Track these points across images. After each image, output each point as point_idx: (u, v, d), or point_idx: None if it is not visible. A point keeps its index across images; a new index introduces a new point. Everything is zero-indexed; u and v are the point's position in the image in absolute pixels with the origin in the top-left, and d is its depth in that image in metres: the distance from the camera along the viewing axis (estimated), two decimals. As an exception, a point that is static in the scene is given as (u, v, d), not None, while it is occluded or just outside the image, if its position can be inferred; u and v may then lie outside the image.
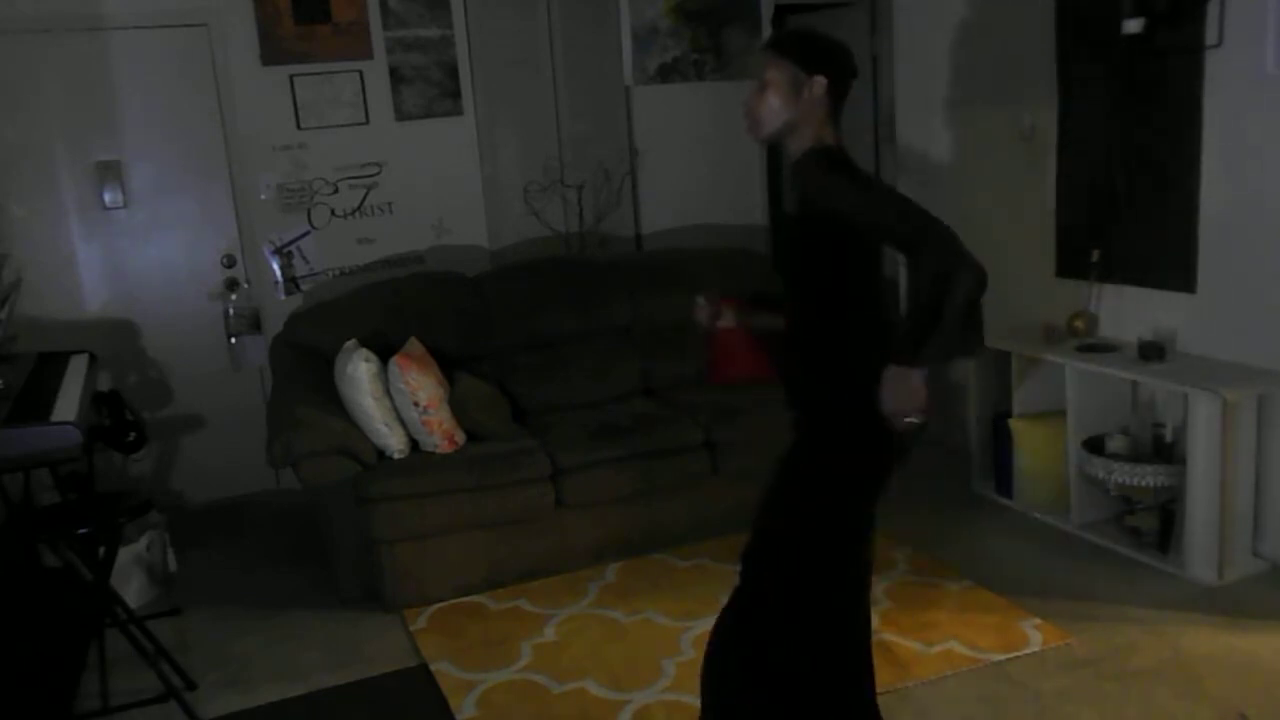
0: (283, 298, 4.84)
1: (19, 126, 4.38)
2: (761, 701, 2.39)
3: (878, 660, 2.58)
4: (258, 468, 4.37)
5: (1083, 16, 4.04)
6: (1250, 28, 3.43)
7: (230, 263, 4.77)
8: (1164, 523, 3.75)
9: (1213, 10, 3.53)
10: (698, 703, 3.02)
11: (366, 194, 4.91)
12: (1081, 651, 3.18)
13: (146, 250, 4.64)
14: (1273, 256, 3.50)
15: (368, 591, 3.77)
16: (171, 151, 4.62)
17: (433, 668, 3.32)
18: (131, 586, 3.83)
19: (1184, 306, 3.83)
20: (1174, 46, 3.67)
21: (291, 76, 4.69)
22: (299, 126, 4.74)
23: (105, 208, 4.55)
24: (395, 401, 3.83)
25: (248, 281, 4.79)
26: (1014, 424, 4.21)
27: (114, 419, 3.91)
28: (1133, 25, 3.71)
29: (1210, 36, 3.55)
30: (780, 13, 5.49)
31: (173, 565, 4.14)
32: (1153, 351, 3.72)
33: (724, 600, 3.64)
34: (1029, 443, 4.18)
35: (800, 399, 2.39)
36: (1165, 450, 3.79)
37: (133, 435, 3.92)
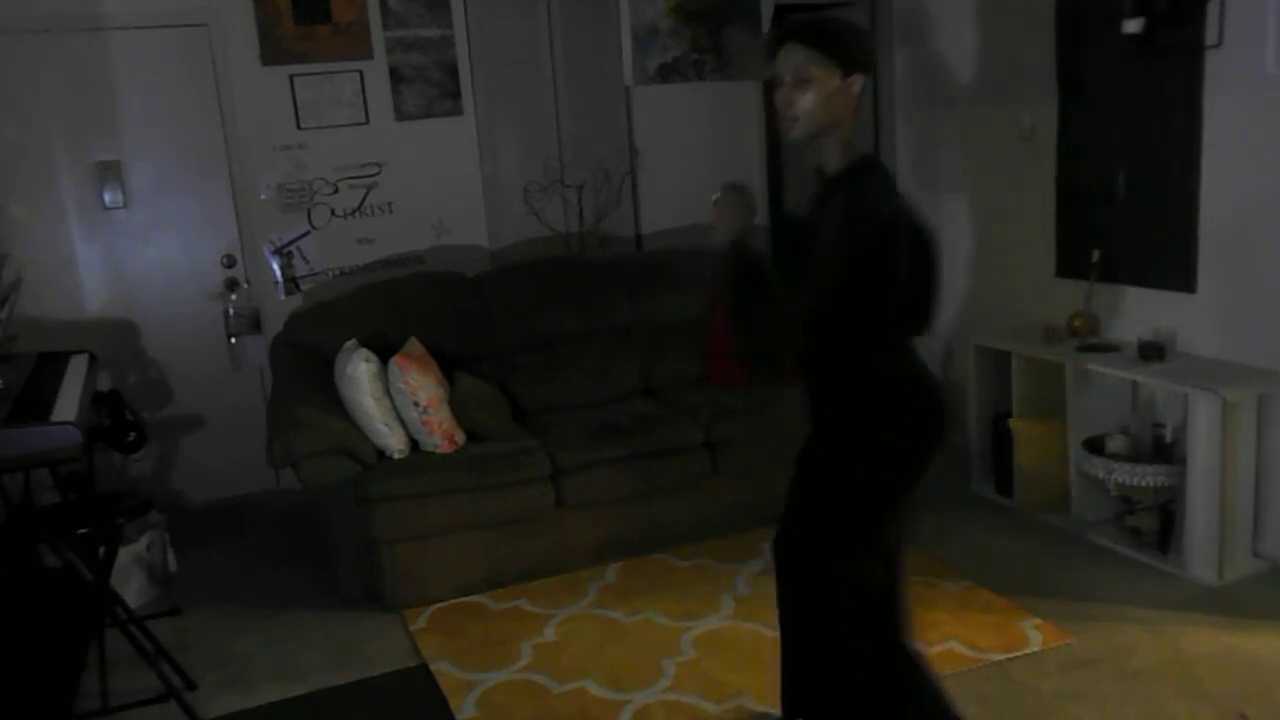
0: (283, 298, 4.84)
1: (19, 126, 4.38)
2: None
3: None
4: (258, 468, 4.37)
5: (1083, 16, 4.04)
6: (1250, 28, 3.43)
7: (230, 263, 4.77)
8: (1164, 523, 3.75)
9: (1213, 10, 3.53)
10: (698, 703, 3.03)
11: (366, 194, 4.91)
12: (1081, 651, 3.18)
13: (146, 250, 4.64)
14: (1273, 256, 3.50)
15: (368, 591, 3.77)
16: (171, 151, 4.62)
17: (433, 668, 3.32)
18: (131, 586, 3.83)
19: (1184, 306, 3.83)
20: (1174, 46, 3.67)
21: (291, 76, 4.69)
22: (299, 126, 4.74)
23: (105, 208, 4.55)
24: (395, 401, 3.83)
25: (248, 281, 4.79)
26: (1014, 424, 4.21)
27: (114, 419, 3.91)
28: (1133, 25, 3.71)
29: (1210, 36, 3.55)
30: (780, 12, 5.48)
31: (173, 565, 4.14)
32: (1153, 351, 3.73)
33: (724, 600, 3.66)
34: (1029, 443, 4.18)
35: (819, 400, 2.36)
36: (1165, 450, 3.79)
37: (133, 435, 3.92)
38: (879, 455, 2.27)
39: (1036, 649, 3.19)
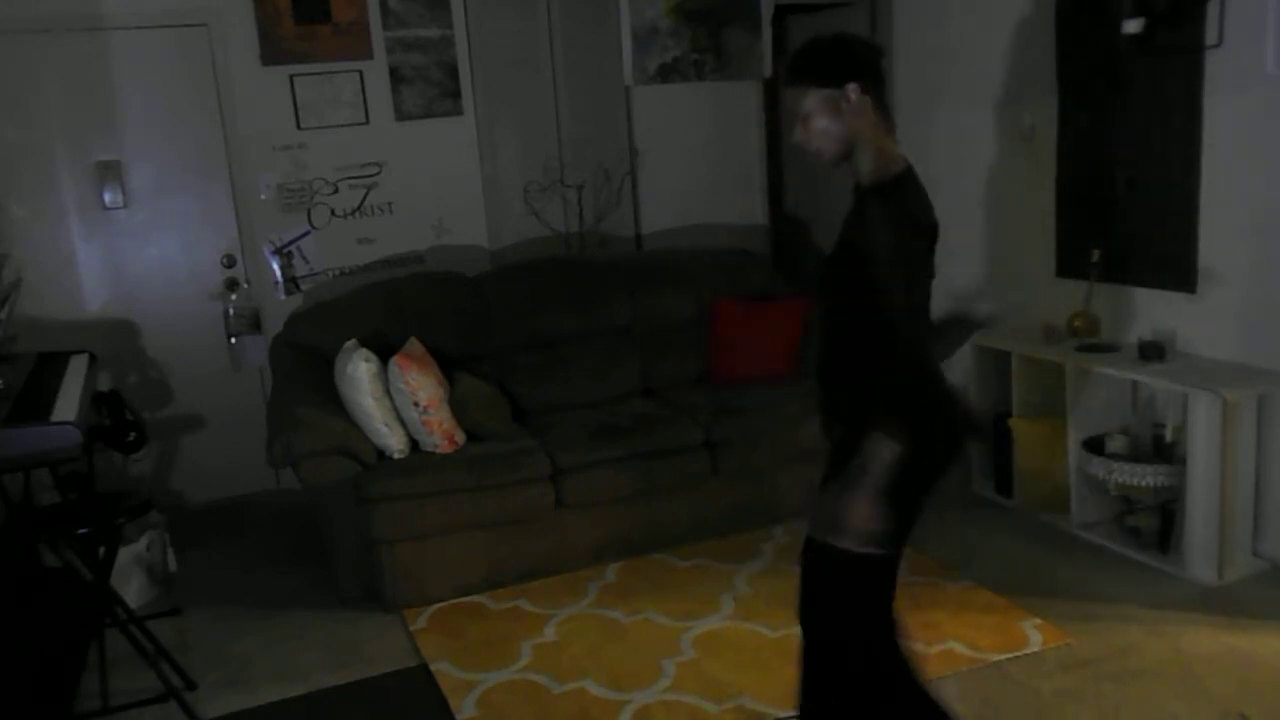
0: (283, 298, 4.84)
1: (19, 126, 4.38)
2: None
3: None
4: (258, 468, 4.37)
5: (1083, 16, 4.04)
6: (1250, 28, 3.43)
7: (230, 263, 4.77)
8: (1164, 523, 3.75)
9: (1213, 10, 3.53)
10: (698, 703, 3.03)
11: (366, 194, 4.91)
12: (1081, 651, 3.18)
13: (146, 250, 4.64)
14: (1273, 257, 3.50)
15: (368, 591, 3.77)
16: (171, 151, 4.62)
17: (433, 668, 3.32)
18: (131, 586, 3.83)
19: (1184, 306, 3.83)
20: (1174, 46, 3.67)
21: (291, 76, 4.69)
22: (299, 126, 4.74)
23: (105, 208, 4.55)
24: (395, 401, 3.83)
25: (248, 281, 4.79)
26: (1014, 424, 4.21)
27: (114, 419, 3.90)
28: (1133, 25, 3.71)
29: (1210, 36, 3.55)
30: (780, 12, 5.48)
31: (173, 565, 4.14)
32: (1153, 351, 3.73)
33: (724, 600, 3.66)
34: (1029, 443, 4.18)
35: (846, 417, 2.33)
36: (1165, 450, 3.79)
37: (133, 435, 3.92)
38: (912, 457, 2.27)
39: (1036, 649, 3.19)
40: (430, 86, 4.91)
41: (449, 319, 4.40)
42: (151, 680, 3.20)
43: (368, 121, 4.84)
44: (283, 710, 3.17)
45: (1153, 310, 3.95)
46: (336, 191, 4.86)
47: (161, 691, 3.17)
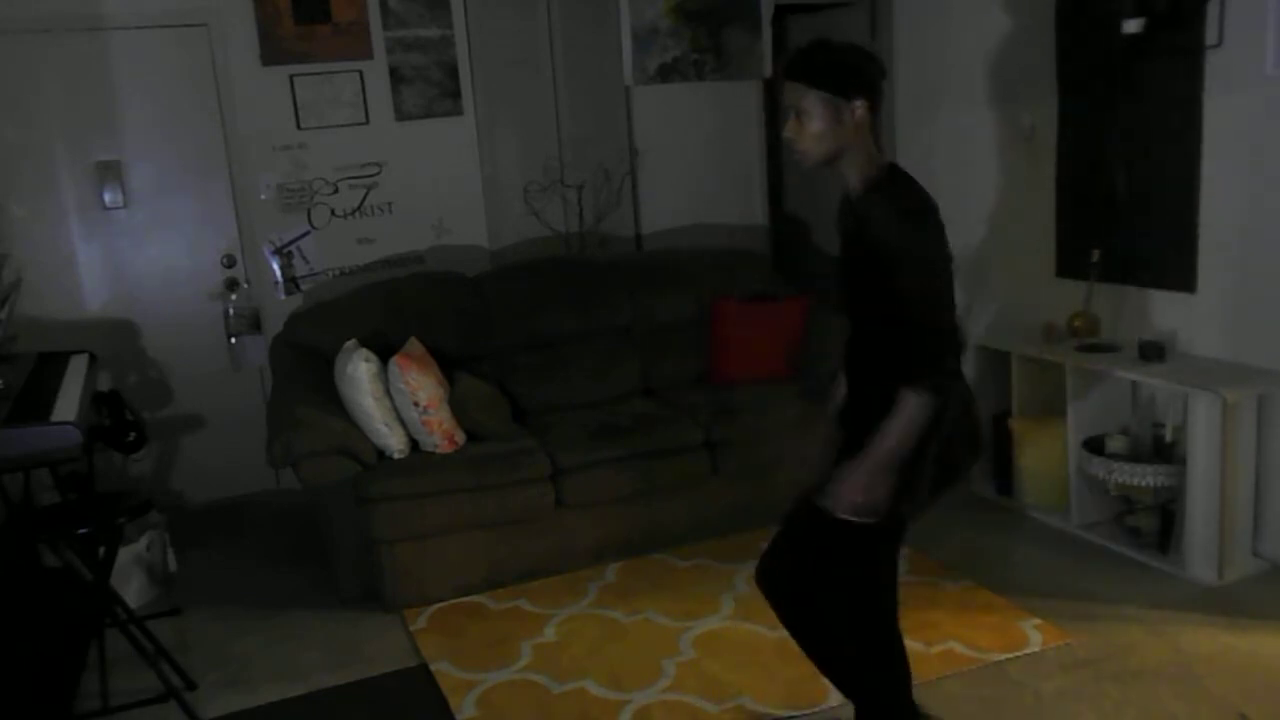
0: (283, 298, 4.84)
1: (19, 126, 4.38)
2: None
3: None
4: (258, 468, 4.37)
5: (1083, 16, 4.04)
6: (1250, 28, 3.43)
7: (230, 263, 4.77)
8: (1164, 523, 3.75)
9: (1213, 10, 3.53)
10: (698, 703, 3.03)
11: (366, 194, 4.91)
12: (1081, 651, 3.18)
13: (146, 250, 4.64)
14: (1273, 256, 3.50)
15: (368, 591, 3.77)
16: (171, 151, 4.62)
17: (433, 668, 3.32)
18: (131, 586, 3.83)
19: (1184, 306, 3.83)
20: (1174, 46, 3.67)
21: (291, 76, 4.69)
22: (299, 126, 4.74)
23: (105, 208, 4.55)
24: (395, 401, 3.83)
25: (248, 281, 4.79)
26: (1014, 424, 4.21)
27: (114, 419, 3.91)
28: (1133, 25, 3.71)
29: (1210, 36, 3.55)
30: (780, 12, 5.48)
31: (173, 565, 4.14)
32: (1153, 351, 3.73)
33: (724, 600, 3.66)
34: (1029, 443, 4.18)
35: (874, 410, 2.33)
36: (1165, 450, 3.79)
37: (133, 435, 3.92)
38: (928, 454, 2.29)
39: (1036, 649, 3.19)
40: (430, 86, 4.91)
41: (449, 319, 4.40)
42: (151, 680, 3.20)
43: (368, 121, 4.84)
44: (283, 710, 3.17)
45: (1153, 310, 3.95)
46: (336, 191, 4.86)
47: (161, 691, 3.17)
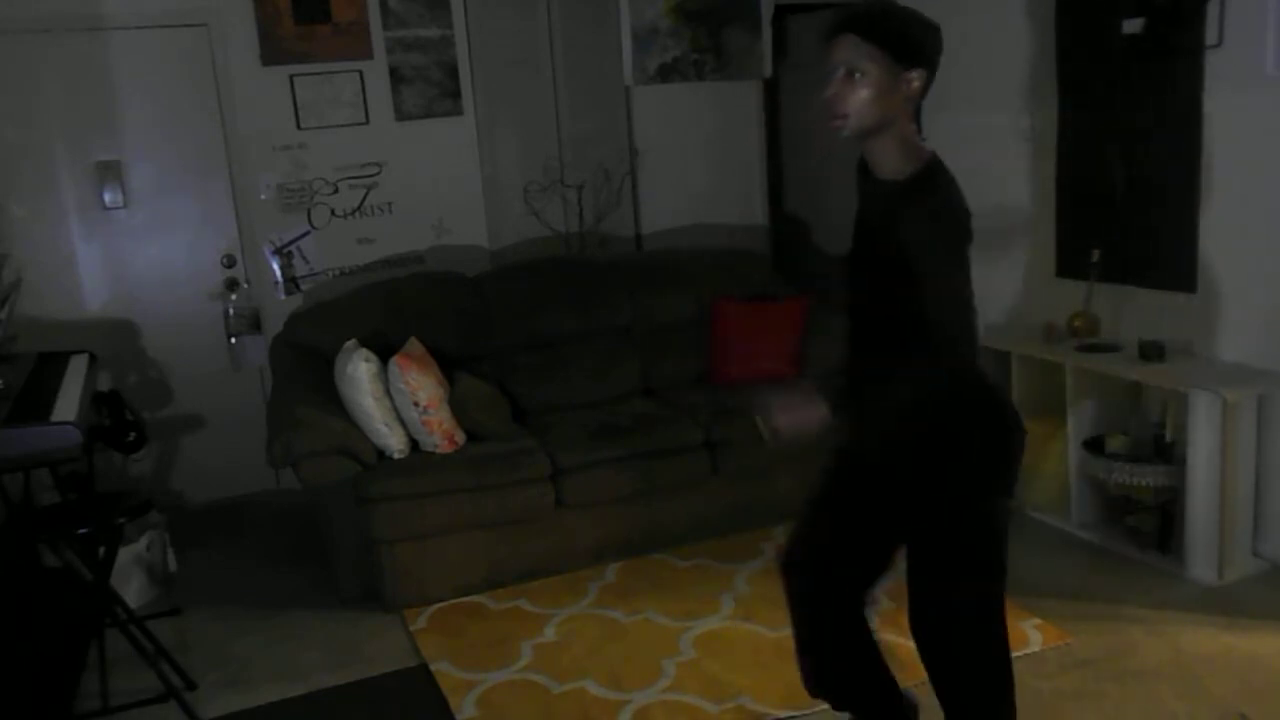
0: (283, 298, 4.84)
1: (19, 126, 4.38)
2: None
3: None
4: (258, 468, 4.37)
5: (1083, 16, 4.04)
6: (1250, 28, 3.43)
7: (230, 263, 4.77)
8: (1164, 523, 3.75)
9: (1213, 10, 3.53)
10: (698, 703, 3.03)
11: (366, 194, 4.91)
12: (1081, 651, 3.18)
13: (146, 250, 4.64)
14: (1272, 257, 3.50)
15: (368, 591, 3.77)
16: (171, 151, 4.62)
17: (433, 668, 3.32)
18: (131, 586, 3.83)
19: (1184, 306, 3.83)
20: (1174, 46, 3.67)
21: (291, 76, 4.69)
22: (299, 126, 4.74)
23: (105, 208, 4.55)
24: (395, 401, 3.83)
25: (248, 281, 4.79)
26: (1014, 424, 4.21)
27: (114, 419, 3.90)
28: (1133, 25, 3.71)
29: (1210, 36, 3.55)
30: (780, 12, 5.48)
31: (173, 565, 4.14)
32: (1153, 351, 3.72)
33: (724, 600, 3.66)
34: (1029, 443, 4.16)
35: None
36: (1165, 450, 3.79)
37: (133, 435, 3.92)
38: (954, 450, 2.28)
39: (1036, 649, 3.19)
40: (430, 86, 4.91)
41: (449, 319, 4.40)
42: (151, 680, 3.20)
43: (368, 121, 4.84)
44: (283, 710, 3.17)
45: (1153, 310, 3.95)
46: (336, 191, 4.86)
47: (161, 691, 3.17)
